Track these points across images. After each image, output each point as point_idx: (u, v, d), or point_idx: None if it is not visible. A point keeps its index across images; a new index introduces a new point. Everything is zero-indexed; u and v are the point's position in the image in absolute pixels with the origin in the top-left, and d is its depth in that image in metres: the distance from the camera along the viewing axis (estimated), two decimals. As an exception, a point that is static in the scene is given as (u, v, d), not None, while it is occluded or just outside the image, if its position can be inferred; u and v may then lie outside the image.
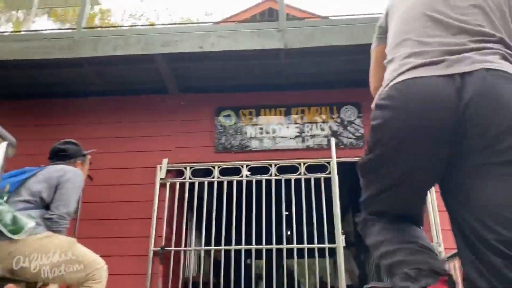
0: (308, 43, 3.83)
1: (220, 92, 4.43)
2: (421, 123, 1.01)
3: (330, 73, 4.22)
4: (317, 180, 3.79)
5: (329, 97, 4.30)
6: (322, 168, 3.87)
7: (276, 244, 3.72)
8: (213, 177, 3.97)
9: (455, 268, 2.63)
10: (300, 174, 3.89)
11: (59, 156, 2.36)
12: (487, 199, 0.95)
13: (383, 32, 1.37)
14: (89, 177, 2.66)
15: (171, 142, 4.22)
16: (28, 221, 1.93)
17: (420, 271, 1.03)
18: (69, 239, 2.06)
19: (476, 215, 0.97)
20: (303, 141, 4.17)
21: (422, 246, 1.11)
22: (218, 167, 4.00)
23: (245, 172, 3.94)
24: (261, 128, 4.25)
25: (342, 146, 4.06)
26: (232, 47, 3.88)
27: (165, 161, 4.04)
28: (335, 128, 4.19)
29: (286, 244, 3.70)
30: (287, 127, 4.24)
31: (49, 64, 4.07)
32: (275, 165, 3.94)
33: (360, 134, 4.14)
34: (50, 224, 2.04)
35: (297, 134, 4.20)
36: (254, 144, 4.20)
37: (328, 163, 3.82)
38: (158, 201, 3.87)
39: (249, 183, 3.90)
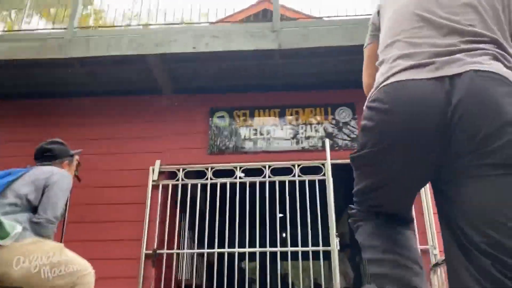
0: (303, 43, 3.80)
1: (214, 93, 4.39)
2: (410, 127, 1.01)
3: (324, 74, 4.20)
4: (312, 182, 3.77)
5: (324, 98, 4.27)
6: (317, 170, 3.85)
7: (270, 247, 3.69)
8: (206, 179, 3.93)
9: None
10: (294, 176, 3.87)
11: (45, 156, 2.30)
12: (477, 201, 0.96)
13: (376, 29, 1.36)
14: (77, 178, 2.59)
15: (164, 144, 4.17)
16: (15, 225, 1.88)
17: None
18: (57, 245, 2.02)
19: (465, 216, 0.98)
20: (297, 142, 4.13)
21: (408, 258, 1.14)
22: (212, 169, 3.97)
23: (238, 174, 3.91)
24: (255, 130, 4.21)
25: (337, 148, 4.04)
26: (226, 47, 3.84)
27: (157, 162, 4.00)
28: (330, 129, 4.16)
29: (280, 246, 3.67)
30: (282, 129, 4.20)
31: (40, 64, 4.00)
32: (269, 167, 3.92)
33: (355, 135, 4.11)
34: (38, 229, 1.99)
35: (292, 136, 4.16)
36: (248, 146, 4.16)
37: (323, 164, 3.79)
38: (151, 203, 3.84)
39: (243, 185, 3.87)
